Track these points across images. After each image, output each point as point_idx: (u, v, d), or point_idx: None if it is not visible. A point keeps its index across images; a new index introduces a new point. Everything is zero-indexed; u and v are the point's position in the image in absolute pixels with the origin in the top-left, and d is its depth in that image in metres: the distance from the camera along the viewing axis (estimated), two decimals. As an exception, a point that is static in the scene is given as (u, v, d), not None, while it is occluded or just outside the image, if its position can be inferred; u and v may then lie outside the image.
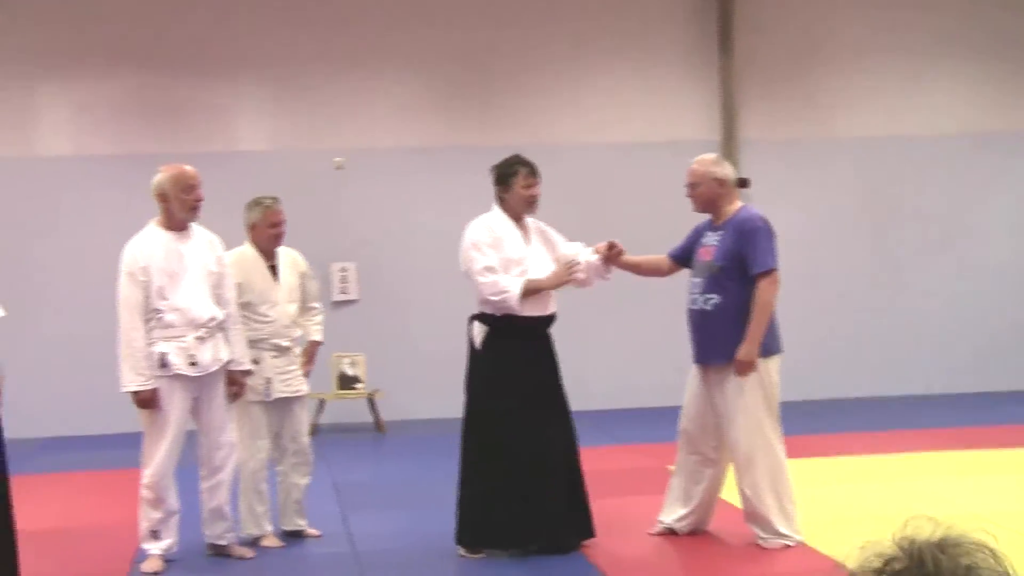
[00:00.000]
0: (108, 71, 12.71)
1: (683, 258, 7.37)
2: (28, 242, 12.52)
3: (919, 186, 13.81)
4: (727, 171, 7.20)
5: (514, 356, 6.95)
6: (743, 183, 13.28)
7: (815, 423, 11.96)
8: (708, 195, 7.15)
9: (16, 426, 11.84)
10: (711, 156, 7.27)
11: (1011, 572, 1.81)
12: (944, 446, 10.22)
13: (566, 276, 7.04)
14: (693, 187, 7.20)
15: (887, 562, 1.81)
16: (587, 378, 12.59)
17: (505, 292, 6.90)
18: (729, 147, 13.38)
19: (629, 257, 7.46)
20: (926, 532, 1.82)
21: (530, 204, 7.13)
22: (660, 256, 7.57)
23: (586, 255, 7.33)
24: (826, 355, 13.60)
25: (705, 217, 7.30)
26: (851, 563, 1.84)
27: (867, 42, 13.68)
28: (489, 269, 6.94)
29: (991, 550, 1.80)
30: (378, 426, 12.25)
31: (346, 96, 13.00)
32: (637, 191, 13.13)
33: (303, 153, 12.93)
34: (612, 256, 7.35)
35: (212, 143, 12.78)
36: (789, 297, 12.93)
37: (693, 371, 7.24)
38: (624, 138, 13.39)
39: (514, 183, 7.08)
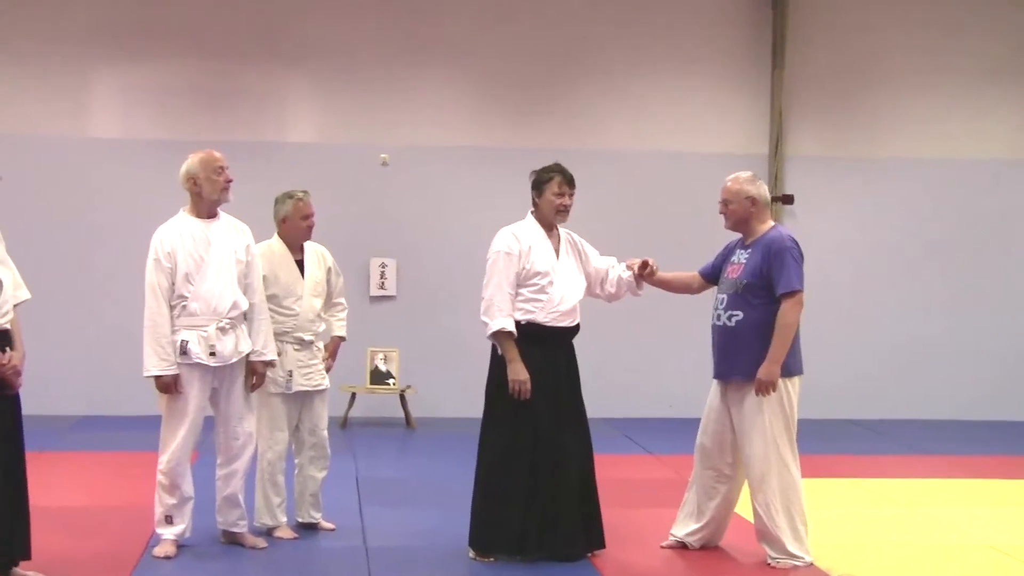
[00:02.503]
0: (161, 57, 12.84)
1: (713, 276, 7.38)
2: (72, 221, 12.67)
3: (966, 209, 13.69)
4: (761, 190, 7.18)
5: (535, 363, 6.95)
6: (787, 199, 13.34)
7: (853, 443, 11.91)
8: (740, 213, 7.15)
9: (52, 403, 12.16)
10: (746, 174, 7.24)
11: None
12: (973, 474, 10.12)
13: (516, 388, 6.93)
14: (726, 204, 7.20)
15: None
16: (613, 385, 12.63)
17: (488, 320, 6.94)
18: (776, 162, 13.34)
19: (661, 274, 7.46)
20: None
21: (560, 212, 7.13)
22: (691, 273, 7.56)
23: (619, 270, 7.34)
24: (865, 374, 13.52)
25: (738, 235, 7.29)
26: None
27: (918, 65, 13.59)
28: (497, 287, 6.96)
29: None
30: (408, 422, 12.31)
31: (396, 92, 13.06)
32: (683, 200, 13.11)
33: (350, 147, 13.01)
34: (645, 275, 7.36)
35: (261, 133, 12.88)
36: (827, 314, 13.00)
37: (713, 386, 7.25)
38: (673, 147, 13.37)
39: (547, 190, 7.09)
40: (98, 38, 12.80)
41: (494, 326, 6.93)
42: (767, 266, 6.96)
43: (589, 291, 7.31)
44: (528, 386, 6.87)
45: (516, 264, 6.98)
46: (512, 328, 6.91)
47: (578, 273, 7.21)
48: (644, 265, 7.33)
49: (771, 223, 7.23)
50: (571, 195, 7.13)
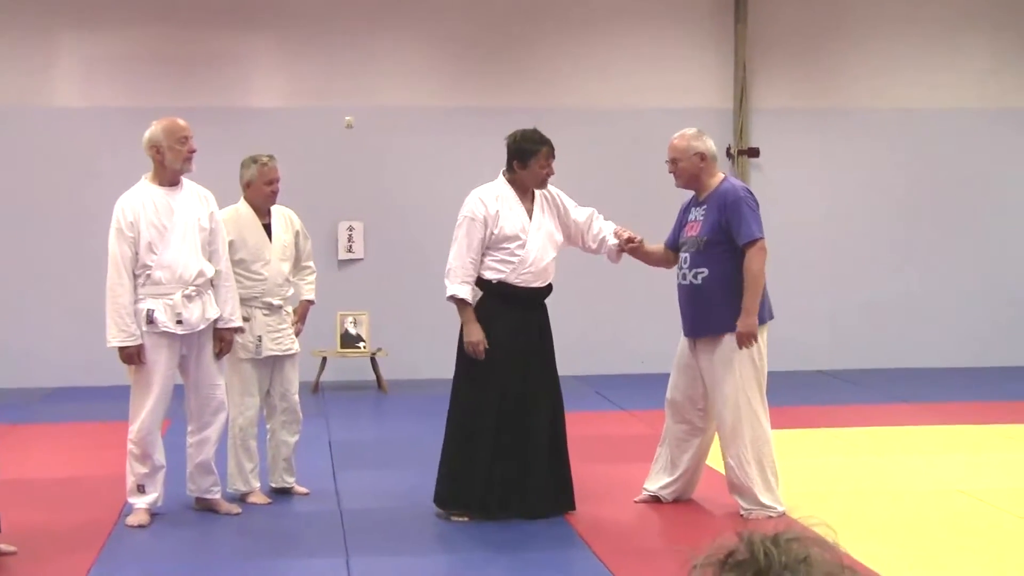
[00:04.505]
0: (123, 24, 12.72)
1: (678, 245, 7.35)
2: (38, 192, 12.57)
3: (935, 158, 13.68)
4: (708, 145, 7.18)
5: (505, 323, 6.97)
6: (753, 152, 13.35)
7: (825, 394, 11.99)
8: (690, 170, 7.15)
9: (22, 376, 12.11)
10: (691, 130, 7.25)
11: (845, 564, 1.84)
12: (945, 421, 10.20)
13: (469, 349, 6.97)
14: (674, 162, 7.20)
15: (729, 554, 1.86)
16: (585, 342, 12.63)
17: (448, 284, 7.01)
18: (741, 115, 13.33)
19: (644, 248, 7.44)
20: (767, 528, 1.86)
21: (543, 183, 7.13)
22: (662, 247, 7.51)
23: (606, 230, 7.31)
24: (835, 325, 13.57)
25: (689, 196, 7.30)
26: (699, 556, 1.88)
27: (885, 13, 13.56)
28: (459, 253, 7.00)
29: (829, 544, 1.84)
30: (380, 385, 12.31)
31: (359, 54, 12.98)
32: (649, 156, 13.01)
33: (314, 111, 12.94)
34: (628, 248, 7.33)
35: (224, 98, 12.78)
36: (800, 267, 13.04)
37: (682, 342, 7.27)
38: (639, 104, 13.31)
39: (533, 162, 7.04)
40: (60, 5, 12.66)
41: (449, 291, 7.01)
42: (724, 219, 6.97)
43: (570, 242, 7.32)
44: (481, 347, 6.91)
45: (482, 230, 6.99)
46: (465, 295, 6.97)
47: (555, 231, 7.19)
48: (630, 240, 7.30)
49: (721, 175, 7.24)
50: (553, 162, 7.14)
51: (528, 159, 7.04)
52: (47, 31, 12.70)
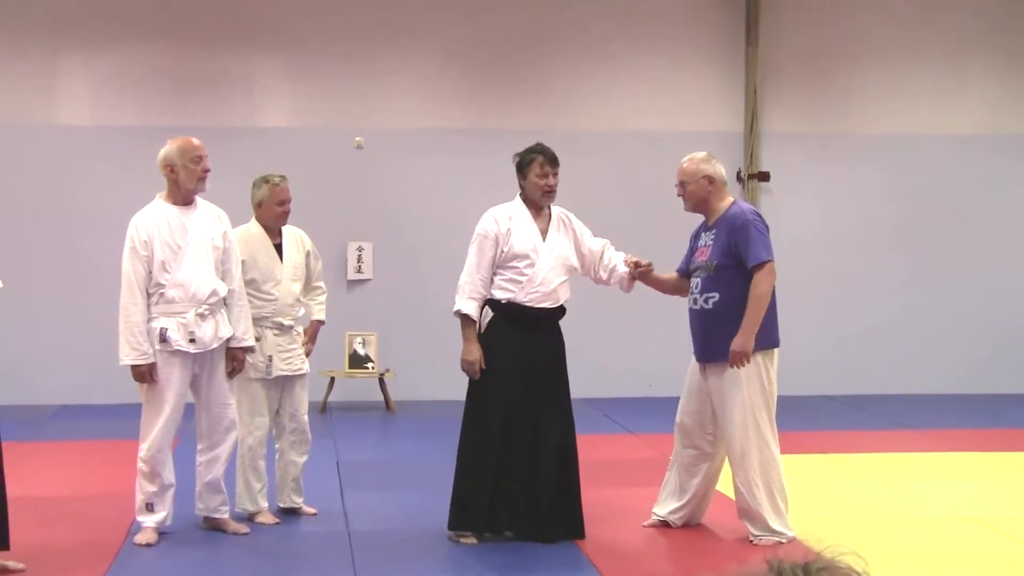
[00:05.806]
0: (130, 42, 12.75)
1: (690, 271, 7.34)
2: (46, 210, 12.58)
3: (942, 184, 13.69)
4: (716, 168, 7.17)
5: (517, 344, 6.96)
6: (763, 176, 13.35)
7: (830, 419, 11.96)
8: (699, 194, 7.15)
9: (31, 393, 12.11)
10: (700, 154, 7.24)
11: None
12: (953, 448, 10.17)
13: (465, 368, 7.02)
14: (683, 186, 7.19)
15: None
16: (592, 365, 12.60)
17: (457, 299, 7.04)
18: (751, 139, 13.33)
19: (656, 274, 7.41)
20: (797, 556, 1.85)
21: (545, 193, 7.12)
22: (674, 274, 7.50)
23: (616, 260, 7.30)
24: (842, 350, 13.54)
25: (699, 221, 7.29)
26: None
27: (893, 39, 13.58)
28: (469, 270, 7.05)
29: (859, 574, 1.82)
30: (387, 406, 12.29)
31: (369, 75, 13.00)
32: (659, 180, 13.04)
33: (323, 131, 12.95)
34: (638, 274, 7.31)
35: (232, 118, 12.81)
36: (805, 290, 13.02)
37: (692, 365, 7.24)
38: (647, 127, 13.32)
39: (530, 172, 7.07)
40: (66, 25, 12.69)
41: (456, 306, 7.06)
42: (733, 243, 6.96)
43: (582, 271, 7.32)
44: (476, 367, 6.94)
45: (493, 248, 7.00)
46: (470, 312, 6.99)
47: (570, 254, 7.18)
48: (638, 264, 7.27)
49: (730, 199, 7.22)
50: (555, 175, 7.11)
51: (524, 169, 7.08)
52: (53, 49, 12.73)
